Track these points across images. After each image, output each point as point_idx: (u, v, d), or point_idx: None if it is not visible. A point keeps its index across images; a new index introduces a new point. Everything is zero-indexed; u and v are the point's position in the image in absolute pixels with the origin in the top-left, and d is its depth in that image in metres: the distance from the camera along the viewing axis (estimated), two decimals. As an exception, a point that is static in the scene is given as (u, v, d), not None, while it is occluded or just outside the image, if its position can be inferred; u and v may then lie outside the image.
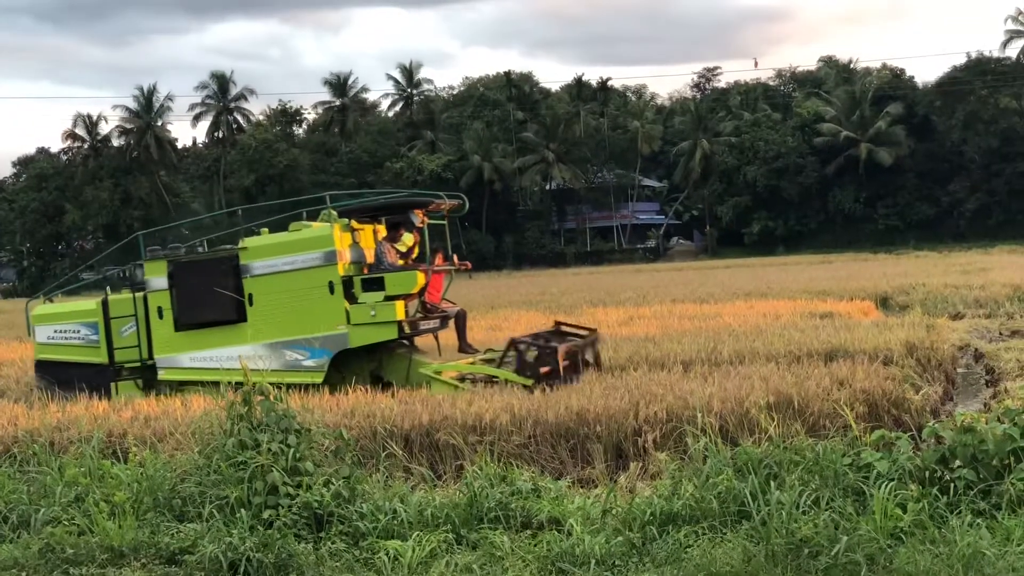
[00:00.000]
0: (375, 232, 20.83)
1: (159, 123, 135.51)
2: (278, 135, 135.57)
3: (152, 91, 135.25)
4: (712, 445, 12.25)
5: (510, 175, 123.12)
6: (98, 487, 12.55)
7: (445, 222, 21.71)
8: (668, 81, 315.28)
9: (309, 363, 19.44)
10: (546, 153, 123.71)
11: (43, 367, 21.56)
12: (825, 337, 22.75)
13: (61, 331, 21.41)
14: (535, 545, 10.76)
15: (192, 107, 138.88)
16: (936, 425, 11.72)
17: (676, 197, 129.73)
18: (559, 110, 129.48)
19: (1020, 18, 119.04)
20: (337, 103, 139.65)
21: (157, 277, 20.46)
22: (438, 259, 21.08)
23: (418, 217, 20.28)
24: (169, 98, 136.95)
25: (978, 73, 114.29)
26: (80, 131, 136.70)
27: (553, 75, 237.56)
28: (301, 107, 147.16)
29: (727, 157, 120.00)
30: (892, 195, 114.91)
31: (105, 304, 20.95)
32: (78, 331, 21.19)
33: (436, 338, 21.00)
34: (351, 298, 19.50)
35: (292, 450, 11.80)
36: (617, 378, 18.66)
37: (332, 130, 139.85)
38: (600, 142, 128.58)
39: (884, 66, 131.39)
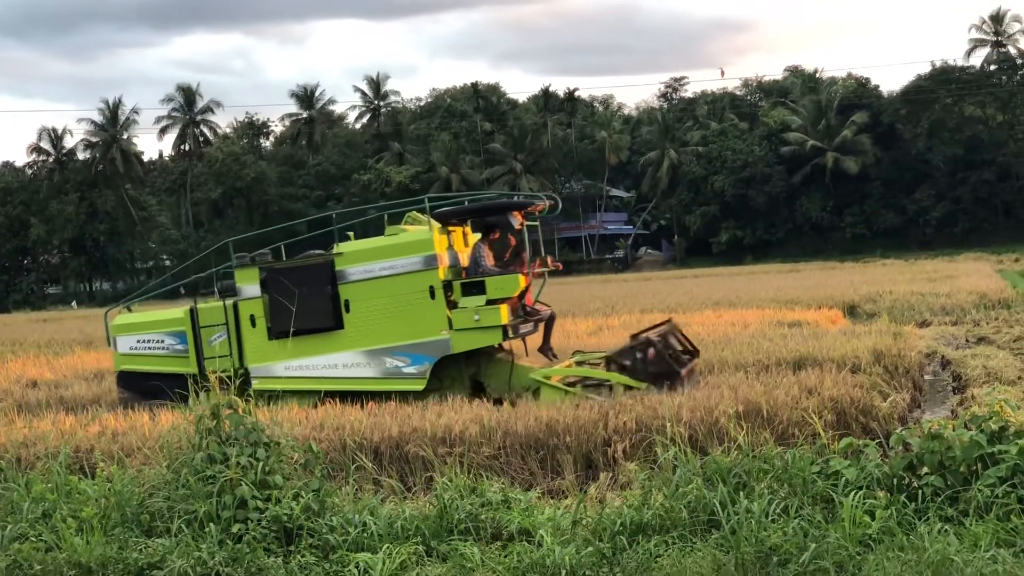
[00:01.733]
0: (465, 235, 20.55)
1: (125, 136, 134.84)
2: (245, 148, 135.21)
3: (118, 104, 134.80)
4: (681, 454, 12.27)
5: (478, 186, 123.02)
6: (65, 503, 12.47)
7: (537, 223, 21.16)
8: (635, 91, 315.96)
9: (410, 370, 19.01)
10: (514, 164, 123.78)
11: (125, 378, 21.04)
12: (793, 346, 22.84)
13: (144, 341, 20.85)
14: (505, 556, 10.76)
15: (158, 120, 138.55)
16: (904, 432, 11.78)
17: (644, 207, 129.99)
18: (526, 121, 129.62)
19: (984, 27, 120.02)
20: (304, 115, 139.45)
21: (249, 284, 19.97)
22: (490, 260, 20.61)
23: (517, 219, 19.76)
24: (135, 111, 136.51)
25: (943, 82, 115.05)
26: (45, 145, 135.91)
27: (520, 86, 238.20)
28: (268, 119, 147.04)
29: (694, 167, 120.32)
30: (858, 203, 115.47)
31: (193, 312, 20.40)
32: (162, 341, 20.68)
33: (524, 341, 20.60)
34: (450, 303, 19.09)
35: (261, 464, 11.76)
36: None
37: (299, 142, 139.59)
38: (568, 152, 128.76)
39: (849, 75, 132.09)
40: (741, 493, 10.97)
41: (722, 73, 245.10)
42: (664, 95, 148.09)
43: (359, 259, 19.37)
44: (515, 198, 22.33)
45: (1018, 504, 10.23)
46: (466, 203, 21.39)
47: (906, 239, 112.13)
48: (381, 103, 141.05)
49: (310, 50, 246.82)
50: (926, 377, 23.80)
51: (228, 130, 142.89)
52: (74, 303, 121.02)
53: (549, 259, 20.92)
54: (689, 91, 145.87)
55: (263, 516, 11.36)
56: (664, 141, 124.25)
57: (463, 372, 19.55)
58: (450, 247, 19.66)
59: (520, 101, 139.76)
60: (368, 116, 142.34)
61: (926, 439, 11.18)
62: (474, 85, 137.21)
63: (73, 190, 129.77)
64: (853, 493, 10.64)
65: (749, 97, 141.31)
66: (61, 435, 16.47)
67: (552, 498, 13.83)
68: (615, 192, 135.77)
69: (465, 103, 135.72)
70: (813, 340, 23.61)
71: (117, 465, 13.45)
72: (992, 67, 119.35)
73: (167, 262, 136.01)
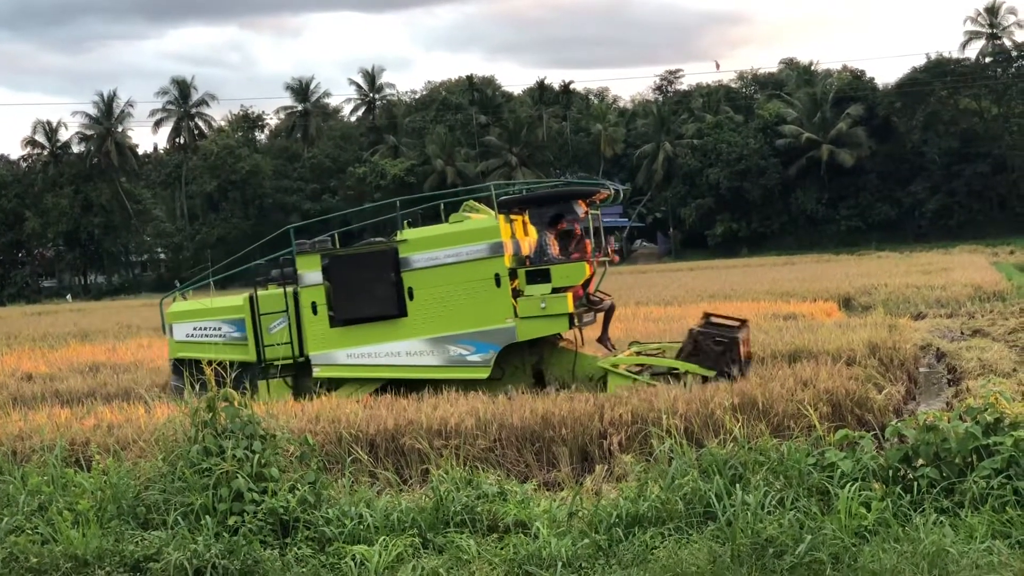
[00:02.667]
0: (524, 224, 20.40)
1: (120, 129, 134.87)
2: (240, 141, 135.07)
3: (112, 97, 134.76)
4: (677, 447, 12.29)
5: (473, 179, 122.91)
6: (61, 496, 12.47)
7: (598, 211, 20.99)
8: (630, 84, 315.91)
9: (475, 358, 18.83)
10: (509, 157, 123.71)
11: (180, 366, 20.47)
12: (789, 338, 22.87)
13: (201, 328, 20.60)
14: (501, 548, 10.77)
15: (153, 113, 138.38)
16: (899, 424, 11.79)
17: (639, 200, 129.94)
18: (521, 114, 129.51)
19: (979, 19, 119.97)
20: (299, 108, 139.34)
21: (311, 271, 19.65)
22: (588, 249, 20.31)
23: (582, 208, 19.67)
24: (130, 104, 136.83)
25: (938, 74, 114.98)
26: (40, 138, 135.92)
27: (515, 79, 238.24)
28: (263, 112, 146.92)
29: (690, 159, 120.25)
30: (854, 196, 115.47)
31: (253, 300, 20.11)
32: (219, 328, 20.41)
33: (580, 331, 20.43)
34: (515, 291, 18.95)
35: (257, 456, 11.77)
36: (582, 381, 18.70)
37: (294, 135, 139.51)
38: (563, 145, 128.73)
39: (844, 68, 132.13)
40: (737, 485, 10.98)
41: (717, 66, 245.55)
42: (659, 88, 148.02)
43: (423, 246, 19.14)
44: (582, 186, 21.87)
45: (1013, 496, 10.24)
46: (525, 191, 21.18)
47: (901, 232, 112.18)
48: (376, 96, 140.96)
49: (305, 43, 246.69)
50: (921, 369, 23.83)
51: (223, 123, 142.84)
52: (69, 296, 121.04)
53: (609, 248, 20.82)
54: (684, 84, 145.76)
55: (259, 508, 11.36)
56: (659, 134, 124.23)
57: (525, 361, 19.46)
58: (513, 235, 19.51)
59: (515, 94, 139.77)
60: (363, 109, 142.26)
61: (921, 431, 11.19)
62: (469, 78, 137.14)
63: (68, 183, 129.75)
64: (849, 485, 10.66)
65: (744, 90, 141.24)
66: (57, 428, 16.44)
67: (548, 490, 13.84)
68: (611, 185, 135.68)
69: (460, 96, 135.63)
70: (808, 333, 23.63)
71: (113, 458, 13.42)
72: (987, 59, 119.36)
73: (162, 255, 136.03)
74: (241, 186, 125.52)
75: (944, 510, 10.39)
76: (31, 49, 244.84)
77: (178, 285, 22.75)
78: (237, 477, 11.53)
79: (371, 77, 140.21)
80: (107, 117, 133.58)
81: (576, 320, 19.03)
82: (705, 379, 17.90)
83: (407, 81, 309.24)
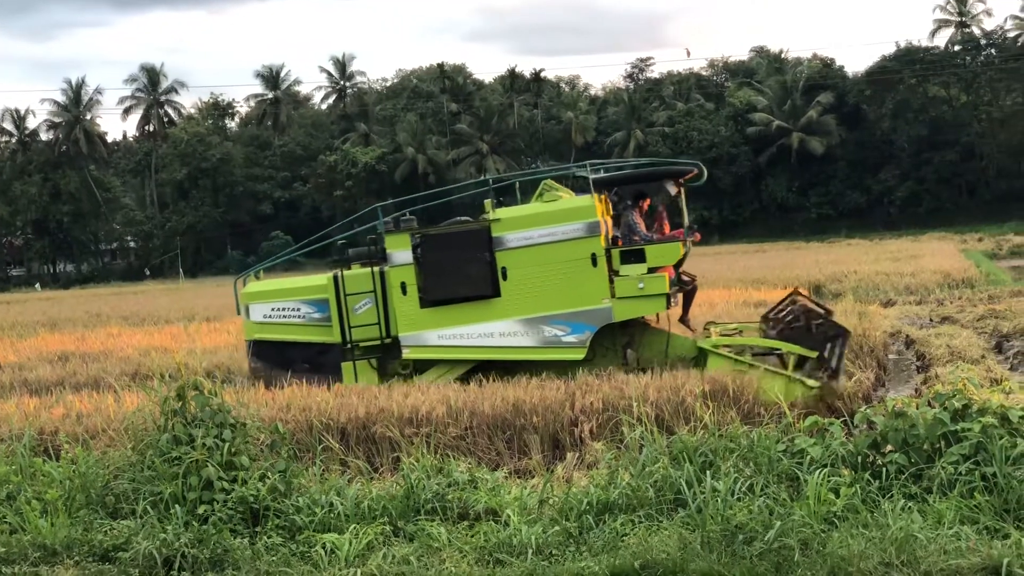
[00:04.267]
0: (606, 203, 20.09)
1: (88, 117, 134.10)
2: (210, 129, 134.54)
3: (81, 84, 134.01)
4: (648, 434, 12.33)
5: (444, 167, 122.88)
6: (30, 485, 12.43)
7: (682, 192, 20.84)
8: (601, 72, 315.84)
9: (570, 339, 18.51)
10: (480, 145, 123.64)
11: (258, 348, 20.23)
12: (759, 325, 22.89)
13: (280, 309, 20.09)
14: (472, 536, 10.78)
15: (122, 100, 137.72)
16: (868, 411, 11.87)
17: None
18: (493, 102, 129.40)
19: (948, 7, 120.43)
20: (270, 96, 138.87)
21: (400, 251, 19.18)
22: (666, 228, 20.19)
23: (673, 187, 19.44)
24: (98, 91, 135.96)
25: (907, 62, 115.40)
26: (7, 125, 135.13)
27: (486, 67, 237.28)
28: (233, 100, 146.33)
29: (661, 147, 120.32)
30: (824, 184, 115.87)
31: (337, 280, 19.55)
32: (298, 309, 19.94)
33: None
34: (609, 271, 18.69)
35: (227, 444, 11.74)
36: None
37: (265, 123, 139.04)
38: (534, 133, 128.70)
39: (815, 56, 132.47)
40: (707, 472, 11.02)
41: (688, 53, 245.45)
42: (630, 76, 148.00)
43: (517, 225, 18.84)
44: (676, 165, 21.42)
45: (981, 481, 10.31)
46: (611, 171, 20.79)
47: (871, 219, 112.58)
48: (347, 84, 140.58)
49: (274, 30, 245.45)
50: (890, 356, 23.93)
51: (193, 111, 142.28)
52: (38, 285, 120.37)
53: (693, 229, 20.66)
54: (655, 72, 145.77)
55: (229, 497, 11.34)
56: (630, 122, 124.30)
57: (616, 343, 19.22)
58: (602, 215, 19.26)
59: (486, 82, 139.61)
60: (334, 97, 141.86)
61: (890, 417, 11.25)
62: (440, 66, 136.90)
63: (36, 171, 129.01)
64: (818, 471, 10.71)
65: (715, 78, 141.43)
66: (25, 417, 16.37)
67: (519, 478, 13.86)
68: (582, 173, 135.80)
69: (431, 84, 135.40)
70: (779, 320, 23.64)
71: (82, 447, 13.38)
72: (956, 48, 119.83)
73: (132, 244, 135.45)
74: (211, 174, 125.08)
75: (912, 496, 10.45)
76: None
77: (251, 262, 22.18)
78: (207, 466, 11.50)
79: (342, 65, 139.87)
80: (76, 105, 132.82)
81: (671, 300, 18.90)
82: (803, 362, 17.82)
83: (377, 69, 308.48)
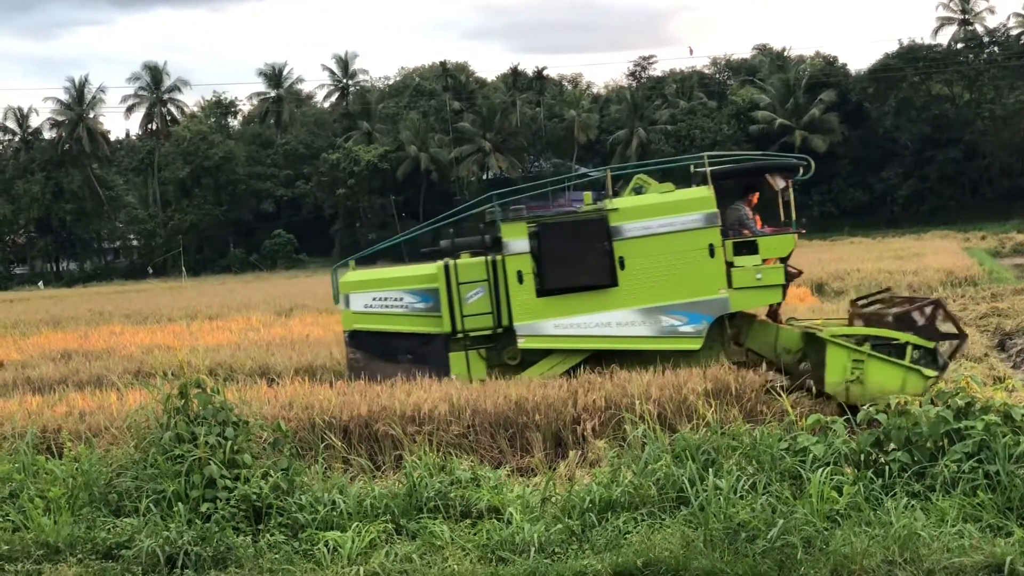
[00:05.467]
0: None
1: (91, 115, 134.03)
2: (213, 127, 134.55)
3: (84, 83, 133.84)
4: (650, 432, 12.34)
5: (447, 165, 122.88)
6: (33, 483, 12.44)
7: (790, 186, 20.63)
8: (604, 70, 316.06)
9: (687, 329, 18.45)
10: (483, 143, 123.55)
11: (358, 338, 19.86)
12: (762, 323, 22.87)
13: (381, 299, 19.77)
14: (475, 534, 10.79)
15: (125, 99, 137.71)
16: (871, 409, 11.86)
17: (613, 186, 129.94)
18: (495, 100, 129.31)
19: (951, 5, 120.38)
20: (272, 94, 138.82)
21: (516, 239, 18.96)
22: (757, 222, 20.07)
23: (781, 180, 19.47)
24: (101, 90, 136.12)
25: (910, 60, 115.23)
26: (10, 124, 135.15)
27: (488, 65, 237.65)
28: (236, 99, 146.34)
29: (663, 145, 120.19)
30: (826, 181, 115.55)
31: (448, 268, 19.33)
32: (401, 299, 19.67)
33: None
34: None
35: (230, 443, 11.75)
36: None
37: (267, 121, 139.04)
38: (537, 131, 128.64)
39: (817, 54, 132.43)
40: (710, 470, 11.03)
41: (691, 51, 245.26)
42: (633, 74, 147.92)
43: (636, 215, 18.76)
44: (789, 159, 21.30)
45: (984, 479, 10.31)
46: (708, 163, 20.74)
47: (874, 217, 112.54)
48: (350, 82, 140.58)
49: (275, 28, 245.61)
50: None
51: (195, 109, 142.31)
52: (41, 283, 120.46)
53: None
54: (658, 69, 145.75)
55: (232, 495, 11.36)
56: (633, 120, 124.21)
57: (724, 334, 19.17)
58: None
59: (489, 80, 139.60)
60: (336, 95, 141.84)
61: (893, 415, 11.26)
62: (442, 64, 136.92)
63: (39, 169, 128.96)
64: (821, 469, 10.71)
65: (718, 76, 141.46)
66: (28, 415, 16.37)
67: (521, 476, 13.87)
68: (584, 170, 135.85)
69: (434, 82, 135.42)
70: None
71: (85, 445, 13.39)
72: (959, 45, 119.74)
73: (134, 242, 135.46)
74: (214, 172, 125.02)
75: (915, 494, 10.45)
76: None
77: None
78: (210, 464, 11.51)
79: (344, 63, 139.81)
80: (78, 103, 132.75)
81: (786, 291, 18.98)
82: (923, 353, 17.66)
83: (380, 67, 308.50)
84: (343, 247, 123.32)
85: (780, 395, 14.58)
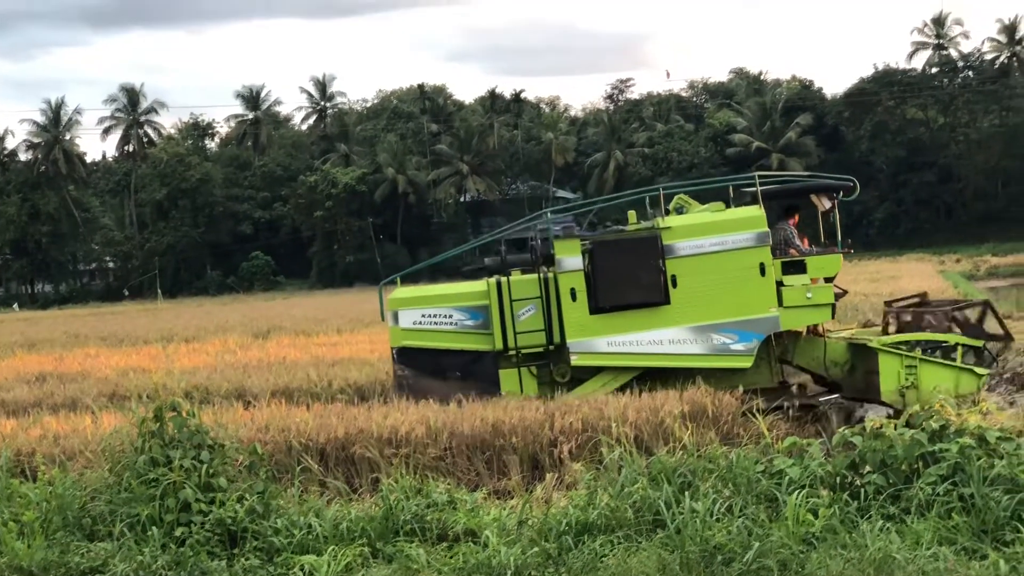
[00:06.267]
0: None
1: (68, 137, 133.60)
2: (190, 148, 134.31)
3: (60, 104, 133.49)
4: (627, 455, 12.33)
5: (424, 187, 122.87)
6: (6, 507, 12.35)
7: (835, 206, 20.72)
8: (581, 92, 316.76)
9: (738, 347, 18.57)
10: (460, 165, 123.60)
11: (406, 355, 19.79)
12: (738, 346, 22.92)
13: (430, 315, 19.69)
14: (451, 557, 10.76)
15: (101, 120, 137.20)
16: (846, 431, 11.88)
17: (590, 208, 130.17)
18: (473, 122, 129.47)
19: (926, 30, 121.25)
20: (250, 116, 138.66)
21: (570, 257, 19.02)
22: (805, 241, 20.39)
23: (827, 201, 19.76)
24: (78, 111, 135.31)
25: (885, 84, 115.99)
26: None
27: (466, 87, 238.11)
28: (213, 120, 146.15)
29: (641, 168, 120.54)
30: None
31: (500, 286, 19.30)
32: (450, 316, 19.62)
33: None
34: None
35: (205, 466, 11.70)
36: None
37: (245, 143, 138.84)
38: (514, 154, 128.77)
39: (793, 77, 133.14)
40: (686, 493, 11.03)
41: (668, 75, 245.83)
42: (610, 96, 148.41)
43: (688, 234, 18.87)
44: (837, 179, 21.46)
45: (959, 502, 10.34)
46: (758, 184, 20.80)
47: (850, 240, 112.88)
48: (327, 104, 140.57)
49: (252, 50, 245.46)
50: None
51: (172, 131, 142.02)
52: (16, 305, 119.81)
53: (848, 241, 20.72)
54: (635, 92, 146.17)
55: (207, 519, 11.30)
56: (610, 142, 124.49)
57: (771, 352, 19.36)
58: None
59: (466, 102, 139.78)
60: (314, 117, 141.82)
61: (868, 438, 11.29)
62: (420, 87, 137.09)
63: (15, 191, 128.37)
64: (796, 492, 10.73)
65: (695, 99, 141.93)
66: (2, 438, 16.26)
67: (498, 499, 13.84)
68: (561, 193, 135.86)
69: (411, 104, 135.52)
70: (758, 340, 23.70)
71: (59, 468, 13.31)
72: (934, 70, 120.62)
73: (110, 264, 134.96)
74: (191, 194, 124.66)
75: (891, 516, 10.47)
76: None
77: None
78: (184, 487, 11.46)
79: (322, 85, 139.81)
80: (55, 125, 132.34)
81: (835, 311, 19.16)
82: (975, 353, 18.05)
83: (357, 89, 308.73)
84: (320, 269, 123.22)
85: (756, 418, 14.60)
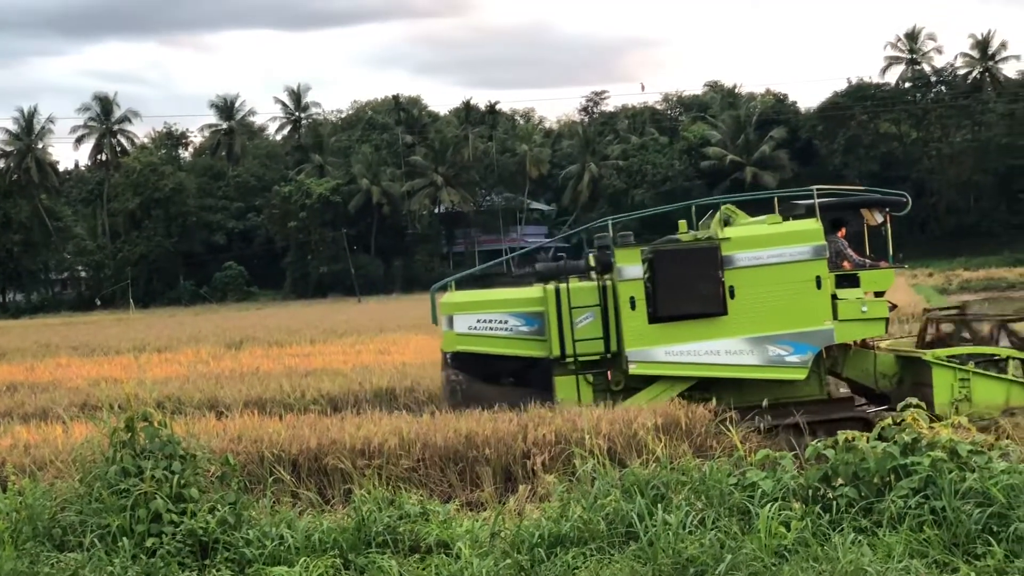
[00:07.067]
0: None
1: (40, 146, 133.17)
2: (163, 158, 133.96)
3: (33, 113, 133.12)
4: (600, 467, 12.32)
5: (399, 199, 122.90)
6: (-24, 517, 12.26)
7: (888, 221, 20.65)
8: (556, 105, 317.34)
9: (793, 359, 18.60)
10: (435, 177, 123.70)
11: (460, 360, 19.76)
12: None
13: (486, 321, 19.56)
14: (423, 569, 10.73)
15: (74, 129, 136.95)
16: (819, 444, 11.90)
17: (564, 220, 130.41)
18: (447, 134, 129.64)
19: (899, 45, 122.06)
20: (224, 126, 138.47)
21: (631, 265, 18.93)
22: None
23: (879, 215, 19.87)
24: (51, 120, 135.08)
25: (858, 99, 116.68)
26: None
27: (439, 99, 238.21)
28: (187, 130, 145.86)
29: (615, 180, 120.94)
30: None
31: (558, 292, 19.20)
32: (506, 321, 19.50)
33: None
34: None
35: (176, 476, 11.64)
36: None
37: (219, 153, 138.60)
38: (488, 165, 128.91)
39: (767, 91, 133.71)
40: (659, 505, 11.02)
41: (642, 88, 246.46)
42: (585, 109, 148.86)
43: (747, 245, 18.90)
44: (890, 195, 21.65)
45: (931, 515, 10.36)
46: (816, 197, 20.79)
47: (901, 254, 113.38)
48: (302, 115, 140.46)
49: (225, 60, 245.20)
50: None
51: (146, 140, 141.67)
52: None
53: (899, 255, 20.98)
54: (610, 105, 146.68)
55: (178, 530, 11.24)
56: (585, 155, 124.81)
57: (820, 365, 19.39)
58: None
59: (441, 114, 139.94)
60: (289, 128, 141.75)
61: (841, 451, 11.31)
62: (395, 98, 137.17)
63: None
64: (769, 504, 10.73)
65: (669, 112, 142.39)
66: (-29, 449, 16.18)
67: (471, 510, 13.80)
68: (536, 205, 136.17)
69: (386, 115, 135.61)
70: (731, 353, 23.76)
71: (29, 478, 13.23)
72: (907, 84, 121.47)
73: (82, 273, 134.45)
74: (164, 204, 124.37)
75: (862, 529, 10.49)
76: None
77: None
78: (156, 498, 11.39)
79: (296, 96, 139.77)
80: (27, 133, 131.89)
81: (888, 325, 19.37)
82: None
83: (331, 100, 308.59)
84: (294, 280, 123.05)
85: (729, 430, 14.62)
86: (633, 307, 18.79)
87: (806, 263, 18.75)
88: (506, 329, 19.49)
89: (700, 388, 18.73)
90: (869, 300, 18.83)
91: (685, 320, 18.83)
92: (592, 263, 19.99)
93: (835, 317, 18.70)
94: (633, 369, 18.83)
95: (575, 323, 18.99)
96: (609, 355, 19.07)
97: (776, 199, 20.28)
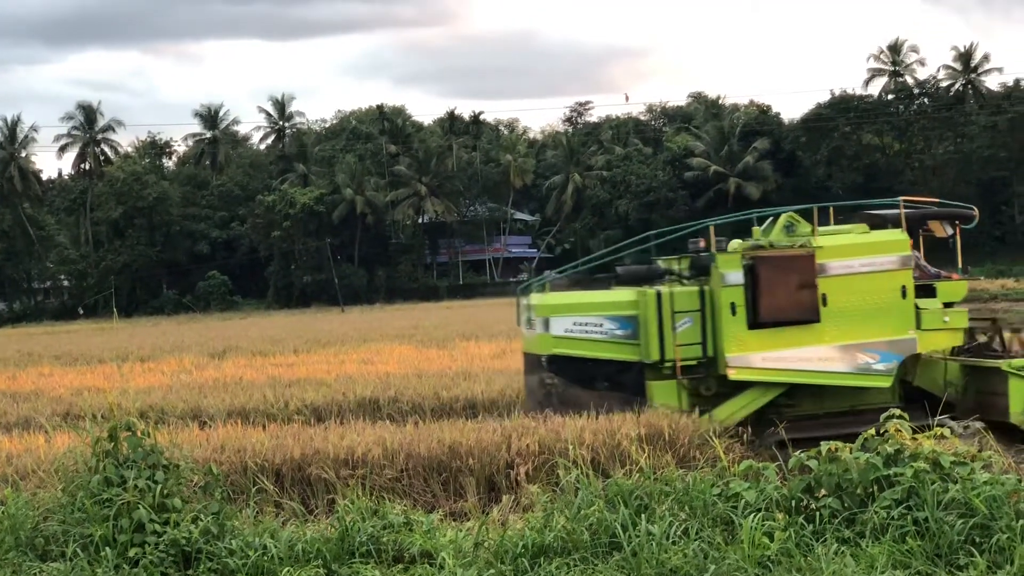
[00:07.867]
0: None
1: (23, 154, 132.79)
2: (147, 167, 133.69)
3: (16, 121, 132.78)
4: (584, 477, 12.33)
5: (383, 208, 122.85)
6: (-43, 526, 12.21)
7: (957, 233, 21.09)
8: (540, 115, 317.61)
9: (879, 367, 18.75)
10: (419, 186, 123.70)
11: (557, 363, 19.62)
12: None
13: (582, 323, 19.44)
14: (407, 579, 10.72)
15: (57, 138, 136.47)
16: (802, 455, 11.93)
17: (548, 231, 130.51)
18: (431, 144, 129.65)
19: (882, 56, 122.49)
20: (208, 135, 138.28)
21: (732, 271, 18.90)
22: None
23: (950, 227, 20.16)
24: (34, 129, 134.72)
25: (842, 110, 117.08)
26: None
27: (424, 109, 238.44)
28: (171, 139, 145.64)
29: (599, 191, 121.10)
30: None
31: (659, 297, 19.12)
32: (600, 324, 19.38)
33: None
34: None
35: (160, 486, 11.62)
36: (490, 411, 18.70)
37: (203, 162, 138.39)
38: (473, 175, 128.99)
39: (751, 102, 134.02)
40: (642, 515, 11.04)
41: (627, 98, 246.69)
42: (569, 119, 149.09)
43: (840, 254, 19.06)
44: (961, 209, 21.97)
45: (913, 526, 10.40)
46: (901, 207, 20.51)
47: (969, 267, 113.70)
48: (286, 124, 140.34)
49: (209, 70, 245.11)
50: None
51: (129, 149, 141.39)
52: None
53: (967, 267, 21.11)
54: (594, 116, 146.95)
55: (161, 540, 11.21)
56: (569, 165, 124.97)
57: (895, 373, 19.35)
58: None
59: (425, 124, 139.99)
60: (273, 137, 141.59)
61: (824, 462, 11.34)
62: (379, 107, 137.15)
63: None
64: (752, 515, 10.75)
65: (653, 122, 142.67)
66: (-47, 458, 16.11)
67: (455, 520, 13.80)
68: (520, 215, 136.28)
69: (370, 125, 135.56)
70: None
71: (11, 488, 13.19)
72: (890, 96, 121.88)
73: (65, 282, 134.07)
74: (148, 213, 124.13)
75: (845, 540, 10.52)
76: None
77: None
78: (138, 508, 11.37)
79: (281, 105, 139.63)
80: (10, 142, 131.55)
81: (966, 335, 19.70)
82: None
83: (314, 109, 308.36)
84: (277, 289, 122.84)
85: (713, 441, 14.65)
86: (734, 313, 18.79)
87: (894, 272, 18.99)
88: (601, 332, 19.39)
89: (784, 395, 18.90)
90: (950, 311, 19.13)
91: (782, 326, 18.91)
92: (676, 268, 20.09)
93: (918, 326, 18.95)
94: (733, 375, 18.76)
95: (676, 327, 18.94)
96: (704, 360, 19.05)
97: (831, 209, 20.64)
